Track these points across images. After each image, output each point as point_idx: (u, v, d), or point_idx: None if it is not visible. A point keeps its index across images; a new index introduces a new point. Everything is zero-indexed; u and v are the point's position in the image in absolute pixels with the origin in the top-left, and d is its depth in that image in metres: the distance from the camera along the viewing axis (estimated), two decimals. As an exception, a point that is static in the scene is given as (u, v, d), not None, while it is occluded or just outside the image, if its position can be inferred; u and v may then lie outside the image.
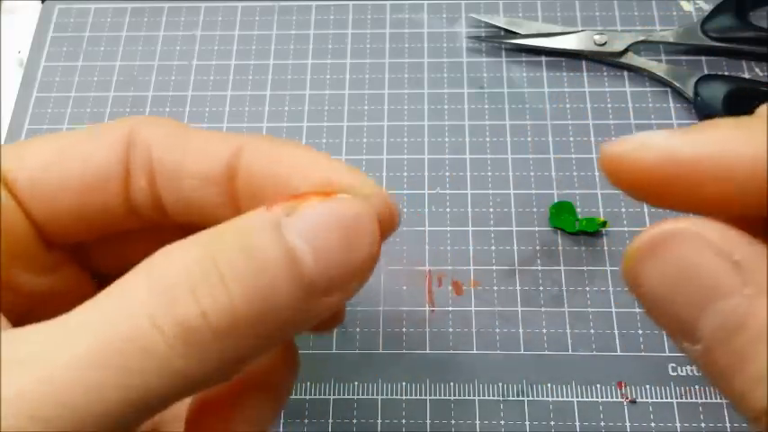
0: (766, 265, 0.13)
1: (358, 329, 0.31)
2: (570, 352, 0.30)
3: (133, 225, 0.19)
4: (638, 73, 0.37)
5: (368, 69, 0.38)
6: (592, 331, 0.31)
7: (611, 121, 0.36)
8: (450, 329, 0.31)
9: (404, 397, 0.30)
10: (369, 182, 0.18)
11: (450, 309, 0.32)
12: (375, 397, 0.30)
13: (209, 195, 0.18)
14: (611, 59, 0.37)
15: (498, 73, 0.38)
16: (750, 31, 0.36)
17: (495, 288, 0.32)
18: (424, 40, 0.39)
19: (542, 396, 0.30)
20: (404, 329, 0.31)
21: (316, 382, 0.30)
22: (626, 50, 0.37)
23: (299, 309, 0.15)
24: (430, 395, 0.30)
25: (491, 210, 0.34)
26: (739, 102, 0.34)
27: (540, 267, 0.32)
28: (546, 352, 0.30)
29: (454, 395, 0.30)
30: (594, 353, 0.30)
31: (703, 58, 0.37)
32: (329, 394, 0.30)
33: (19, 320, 0.18)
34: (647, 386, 0.30)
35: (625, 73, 0.37)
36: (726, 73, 0.37)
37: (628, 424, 0.29)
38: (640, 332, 0.31)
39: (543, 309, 0.31)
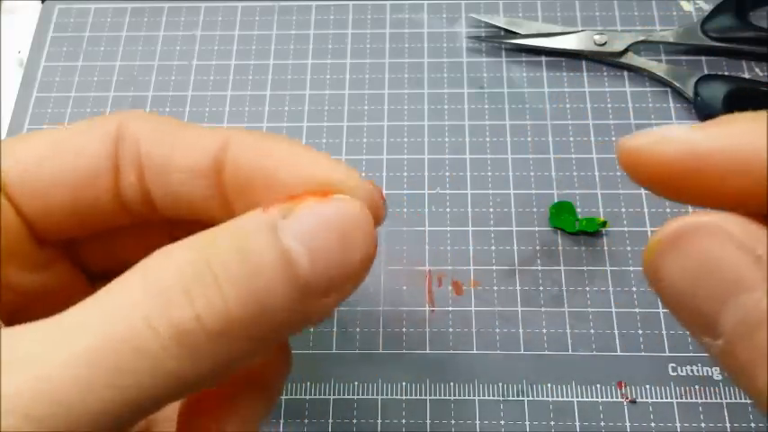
0: None
1: (358, 329, 0.31)
2: (570, 352, 0.30)
3: (124, 221, 0.19)
4: (638, 73, 0.37)
5: (368, 69, 0.38)
6: (592, 331, 0.31)
7: (611, 121, 0.36)
8: (450, 329, 0.31)
9: (404, 397, 0.30)
10: (354, 174, 0.18)
11: (450, 309, 0.32)
12: (375, 397, 0.30)
13: (197, 189, 0.18)
14: (611, 59, 0.37)
15: (498, 73, 0.38)
16: (750, 31, 0.36)
17: (495, 288, 0.32)
18: (424, 40, 0.39)
19: (542, 396, 0.30)
20: (404, 329, 0.31)
21: (316, 382, 0.30)
22: (626, 50, 0.37)
23: (294, 310, 0.15)
24: (430, 395, 0.30)
25: (491, 210, 0.34)
26: (739, 102, 0.34)
27: (540, 267, 0.32)
28: (546, 352, 0.30)
29: (454, 395, 0.30)
30: (594, 353, 0.30)
31: (703, 58, 0.37)
32: (329, 394, 0.30)
33: (11, 318, 0.18)
34: (647, 386, 0.30)
35: (625, 73, 0.37)
36: (726, 73, 0.37)
37: (628, 424, 0.29)
38: (640, 332, 0.31)
39: (543, 309, 0.31)
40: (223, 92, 0.38)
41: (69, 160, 0.18)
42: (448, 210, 0.34)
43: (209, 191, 0.18)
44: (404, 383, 0.30)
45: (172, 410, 0.20)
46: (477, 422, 0.29)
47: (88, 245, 0.21)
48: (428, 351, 0.31)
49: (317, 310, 0.16)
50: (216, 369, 0.15)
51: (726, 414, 0.29)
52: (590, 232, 0.33)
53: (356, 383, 0.30)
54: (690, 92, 0.35)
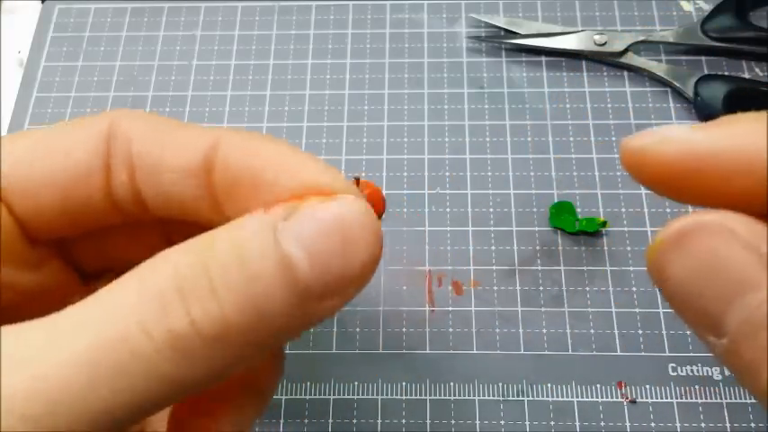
0: None
1: (358, 329, 0.31)
2: (570, 352, 0.30)
3: (115, 220, 0.19)
4: (638, 73, 0.37)
5: (368, 69, 0.38)
6: (592, 331, 0.31)
7: (611, 121, 0.36)
8: (450, 329, 0.31)
9: (404, 397, 0.30)
10: (339, 177, 0.17)
11: (450, 309, 0.32)
12: (375, 397, 0.30)
13: (187, 189, 0.18)
14: (611, 59, 0.37)
15: (498, 73, 0.38)
16: (750, 31, 0.36)
17: (495, 288, 0.32)
18: (424, 40, 0.39)
19: (542, 396, 0.30)
20: (404, 329, 0.31)
21: (316, 382, 0.30)
22: (626, 50, 0.37)
23: (293, 316, 0.15)
24: (430, 395, 0.30)
25: (491, 210, 0.34)
26: (739, 102, 0.34)
27: (540, 267, 0.32)
28: (546, 352, 0.30)
29: (454, 395, 0.30)
30: (594, 353, 0.30)
31: (703, 58, 0.37)
32: (329, 394, 0.30)
33: (4, 316, 0.18)
34: (647, 386, 0.30)
35: (625, 73, 0.37)
36: (726, 73, 0.37)
37: (628, 424, 0.29)
38: (640, 332, 0.31)
39: (543, 309, 0.31)
40: (223, 92, 0.38)
41: (60, 160, 0.18)
42: (448, 210, 0.34)
43: (200, 191, 0.18)
44: (404, 383, 0.30)
45: (167, 410, 0.20)
46: (477, 422, 0.29)
47: (81, 244, 0.21)
48: (428, 351, 0.31)
49: (318, 313, 0.15)
50: (212, 373, 0.15)
51: (726, 414, 0.29)
52: (590, 232, 0.33)
53: (356, 383, 0.30)
54: (690, 92, 0.35)
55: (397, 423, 0.29)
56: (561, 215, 0.33)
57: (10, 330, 0.14)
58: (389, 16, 0.40)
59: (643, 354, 0.30)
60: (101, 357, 0.14)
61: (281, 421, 0.30)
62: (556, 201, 0.34)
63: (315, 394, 0.30)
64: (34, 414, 0.13)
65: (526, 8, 0.39)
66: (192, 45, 0.39)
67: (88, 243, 0.21)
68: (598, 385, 0.30)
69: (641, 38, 0.37)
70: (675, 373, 0.30)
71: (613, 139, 0.35)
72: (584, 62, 0.38)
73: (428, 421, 0.29)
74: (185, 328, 0.14)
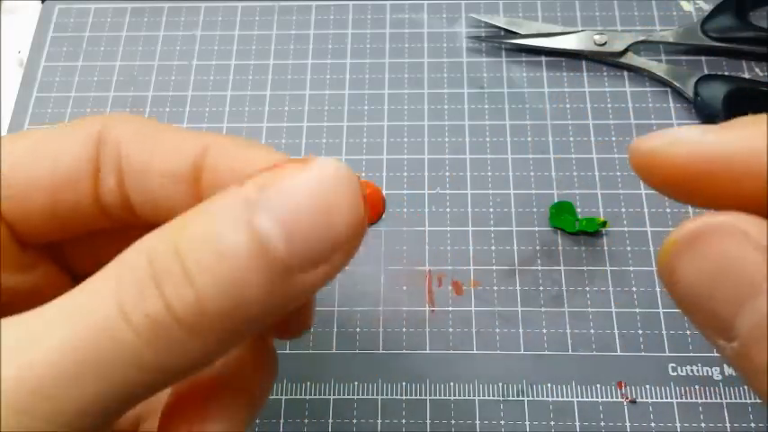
0: None
1: (358, 329, 0.31)
2: (570, 352, 0.30)
3: (106, 224, 0.19)
4: (638, 73, 0.37)
5: (368, 69, 0.38)
6: (592, 331, 0.31)
7: (611, 121, 0.36)
8: (450, 329, 0.31)
9: (404, 397, 0.30)
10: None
11: (450, 309, 0.32)
12: (375, 397, 0.30)
13: (176, 194, 0.18)
14: (611, 59, 0.37)
15: (498, 73, 0.38)
16: (750, 31, 0.36)
17: (495, 288, 0.32)
18: (424, 40, 0.39)
19: (542, 396, 0.30)
20: (404, 329, 0.31)
21: (316, 382, 0.30)
22: (626, 50, 0.37)
23: (275, 295, 0.14)
24: (430, 395, 0.30)
25: (491, 210, 0.34)
26: (739, 102, 0.34)
27: (540, 267, 0.32)
28: (546, 352, 0.30)
29: (454, 395, 0.30)
30: (594, 353, 0.30)
31: (703, 58, 0.37)
32: (329, 394, 0.30)
33: None
34: (647, 386, 0.30)
35: (625, 73, 0.37)
36: (726, 73, 0.37)
37: (628, 424, 0.29)
38: (640, 332, 0.31)
39: (543, 309, 0.31)
40: (223, 92, 0.38)
41: (48, 164, 0.18)
42: (448, 210, 0.34)
43: (188, 196, 0.18)
44: (404, 383, 0.30)
45: (161, 406, 0.20)
46: (477, 422, 0.29)
47: (73, 248, 0.21)
48: (428, 351, 0.31)
49: (305, 287, 0.14)
50: (194, 358, 0.14)
51: (726, 414, 0.29)
52: (590, 232, 0.33)
53: (356, 383, 0.30)
54: (690, 92, 0.35)
55: (397, 423, 0.29)
56: (561, 215, 0.33)
57: None
58: (389, 16, 0.40)
59: (643, 354, 0.30)
60: (85, 345, 0.14)
61: (281, 421, 0.30)
62: (556, 201, 0.34)
63: (315, 394, 0.30)
64: (21, 407, 0.13)
65: (526, 8, 0.39)
66: (192, 45, 0.39)
67: (80, 246, 0.21)
68: (598, 385, 0.30)
69: (641, 38, 0.37)
70: (675, 373, 0.30)
71: (613, 139, 0.35)
72: (584, 62, 0.38)
73: (428, 421, 0.29)
74: (161, 312, 0.14)
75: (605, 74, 0.37)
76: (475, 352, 0.31)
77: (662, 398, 0.29)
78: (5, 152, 0.18)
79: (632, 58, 0.37)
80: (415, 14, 0.40)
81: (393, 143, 0.36)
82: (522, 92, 0.37)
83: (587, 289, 0.32)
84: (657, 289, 0.31)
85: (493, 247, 0.33)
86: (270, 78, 0.38)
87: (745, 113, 0.15)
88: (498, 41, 0.38)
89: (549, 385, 0.30)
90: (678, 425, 0.29)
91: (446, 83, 0.38)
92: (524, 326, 0.31)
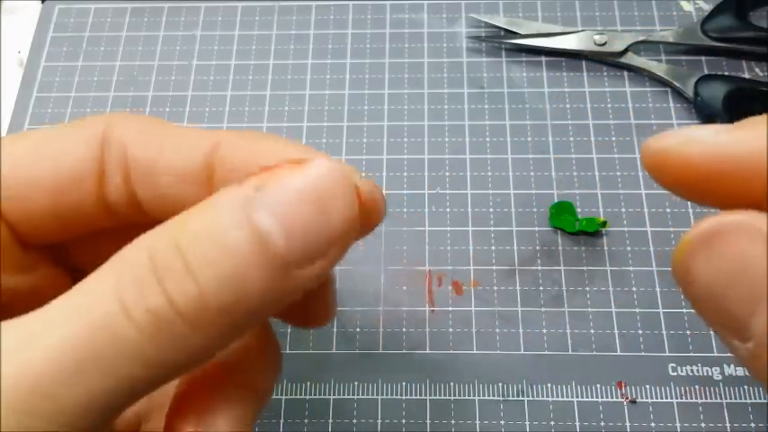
0: None
1: (358, 329, 0.31)
2: (570, 352, 0.30)
3: (110, 223, 0.19)
4: (638, 73, 0.37)
5: (368, 69, 0.38)
6: (592, 331, 0.31)
7: (611, 121, 0.36)
8: (450, 329, 0.31)
9: (404, 397, 0.30)
10: (352, 169, 0.17)
11: (450, 309, 0.32)
12: (375, 397, 0.30)
13: (185, 192, 0.18)
14: (611, 59, 0.37)
15: (498, 73, 0.38)
16: (750, 31, 0.36)
17: (495, 288, 0.32)
18: (424, 40, 0.39)
19: (542, 396, 0.30)
20: (404, 329, 0.31)
21: (316, 382, 0.30)
22: (626, 50, 0.37)
23: (274, 289, 0.14)
24: (430, 395, 0.30)
25: (491, 210, 0.34)
26: (739, 102, 0.34)
27: (540, 267, 0.32)
28: (546, 352, 0.30)
29: (454, 395, 0.30)
30: (594, 353, 0.30)
31: (703, 58, 0.37)
32: (329, 394, 0.30)
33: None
34: (647, 386, 0.30)
35: (625, 73, 0.37)
36: (726, 73, 0.37)
37: (628, 424, 0.29)
38: (640, 332, 0.31)
39: (543, 309, 0.31)
40: (223, 92, 0.38)
41: (50, 165, 0.18)
42: (448, 210, 0.34)
43: (198, 194, 0.18)
44: (404, 383, 0.30)
45: (163, 405, 0.20)
46: (477, 422, 0.29)
47: (78, 247, 0.21)
48: (428, 351, 0.31)
49: (303, 280, 0.15)
50: (196, 353, 0.15)
51: (726, 414, 0.29)
52: (590, 232, 0.33)
53: (356, 383, 0.30)
54: (690, 92, 0.35)
55: (397, 423, 0.29)
56: (561, 215, 0.33)
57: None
58: (389, 16, 0.40)
59: (643, 354, 0.30)
60: (85, 343, 0.14)
61: (281, 421, 0.30)
62: (556, 201, 0.34)
63: (315, 394, 0.30)
64: (21, 403, 0.13)
65: (526, 8, 0.39)
66: (192, 45, 0.39)
67: (85, 246, 0.21)
68: (598, 385, 0.30)
69: (641, 38, 0.37)
70: (675, 373, 0.30)
71: (613, 139, 0.35)
72: (584, 62, 0.38)
73: (428, 421, 0.29)
74: (164, 307, 0.14)
75: (605, 74, 0.37)
76: (475, 352, 0.31)
77: (662, 398, 0.29)
78: (5, 153, 0.18)
79: (632, 58, 0.37)
80: (415, 14, 0.40)
81: (393, 143, 0.36)
82: (522, 92, 0.37)
83: (587, 289, 0.32)
84: (657, 289, 0.31)
85: (493, 247, 0.33)
86: (270, 78, 0.38)
87: (746, 113, 0.15)
88: (498, 41, 0.38)
89: (549, 385, 0.30)
90: (678, 425, 0.29)
91: (446, 83, 0.38)
92: (524, 326, 0.31)
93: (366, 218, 0.17)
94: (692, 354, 0.30)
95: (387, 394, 0.30)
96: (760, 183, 0.13)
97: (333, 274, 0.22)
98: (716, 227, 0.13)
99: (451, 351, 0.31)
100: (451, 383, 0.30)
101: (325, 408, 0.30)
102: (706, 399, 0.29)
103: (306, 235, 0.14)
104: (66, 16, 0.41)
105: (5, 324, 0.14)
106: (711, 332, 0.30)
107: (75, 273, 0.21)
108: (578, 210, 0.33)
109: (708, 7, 0.39)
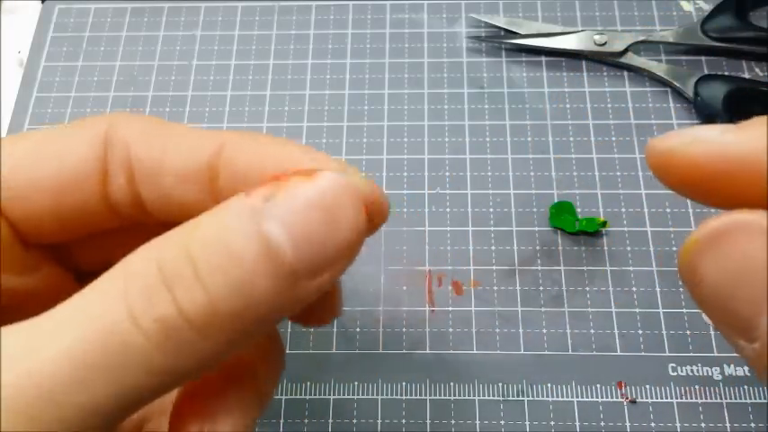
0: None
1: (358, 329, 0.31)
2: (570, 352, 0.30)
3: (113, 224, 0.19)
4: (638, 73, 0.37)
5: (368, 69, 0.38)
6: (592, 331, 0.31)
7: (611, 121, 0.36)
8: (451, 329, 0.31)
9: (404, 397, 0.30)
10: (354, 170, 0.17)
11: (450, 309, 0.32)
12: (375, 397, 0.30)
13: (189, 192, 0.18)
14: (611, 59, 0.37)
15: (498, 73, 0.38)
16: (750, 31, 0.36)
17: (495, 288, 0.32)
18: (424, 40, 0.39)
19: (542, 396, 0.30)
20: (404, 329, 0.31)
21: (316, 382, 0.30)
22: (626, 50, 0.37)
23: (282, 297, 0.15)
24: (430, 395, 0.30)
25: (491, 210, 0.34)
26: (739, 102, 0.34)
27: (540, 267, 0.32)
28: (546, 352, 0.30)
29: (454, 395, 0.30)
30: (594, 353, 0.30)
31: (703, 58, 0.37)
32: (329, 394, 0.30)
33: (1, 319, 0.18)
34: (647, 386, 0.30)
35: (625, 73, 0.37)
36: (726, 73, 0.37)
37: (628, 424, 0.29)
38: (640, 332, 0.31)
39: (543, 309, 0.31)
40: (223, 92, 0.38)
41: (52, 165, 0.18)
42: (448, 210, 0.34)
43: (202, 194, 0.18)
44: (404, 383, 0.30)
45: (165, 405, 0.20)
46: (477, 422, 0.29)
47: (81, 248, 0.21)
48: (428, 351, 0.31)
49: (309, 291, 0.15)
50: (203, 360, 0.15)
51: (726, 414, 0.29)
52: (590, 232, 0.33)
53: (356, 383, 0.30)
54: (690, 92, 0.35)
55: (397, 423, 0.29)
56: (561, 215, 0.33)
57: (2, 330, 0.14)
58: (389, 16, 0.40)
59: (643, 354, 0.30)
60: (91, 350, 0.14)
61: (281, 421, 0.30)
62: (556, 201, 0.34)
63: (315, 394, 0.30)
64: (28, 411, 0.13)
65: (526, 8, 0.39)
66: (192, 45, 0.39)
67: (88, 246, 0.21)
68: (598, 385, 0.30)
69: (641, 38, 0.37)
70: (675, 373, 0.30)
71: (613, 139, 0.35)
72: (584, 62, 0.38)
73: (428, 421, 0.29)
74: (173, 315, 0.14)
75: (605, 74, 0.37)
76: (475, 352, 0.31)
77: (662, 398, 0.29)
78: (6, 154, 0.18)
79: (632, 58, 0.37)
80: (415, 14, 0.40)
81: (393, 143, 0.36)
82: (522, 92, 0.37)
83: (587, 289, 0.32)
84: (657, 289, 0.31)
85: (493, 247, 0.33)
86: (270, 78, 0.38)
87: (746, 113, 0.15)
88: (498, 41, 0.38)
89: (549, 385, 0.30)
90: (678, 425, 0.29)
91: (446, 83, 0.38)
92: (524, 326, 0.31)
93: (369, 220, 0.17)
94: (692, 354, 0.30)
95: (387, 394, 0.30)
96: (765, 182, 0.13)
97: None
98: (723, 227, 0.13)
99: (451, 351, 0.31)
100: (451, 383, 0.30)
101: (325, 408, 0.30)
102: (706, 399, 0.29)
103: (314, 245, 0.15)
104: (66, 16, 0.41)
105: (10, 328, 0.14)
106: (711, 332, 0.30)
107: (77, 273, 0.21)
108: (578, 210, 0.33)
109: (708, 7, 0.39)
